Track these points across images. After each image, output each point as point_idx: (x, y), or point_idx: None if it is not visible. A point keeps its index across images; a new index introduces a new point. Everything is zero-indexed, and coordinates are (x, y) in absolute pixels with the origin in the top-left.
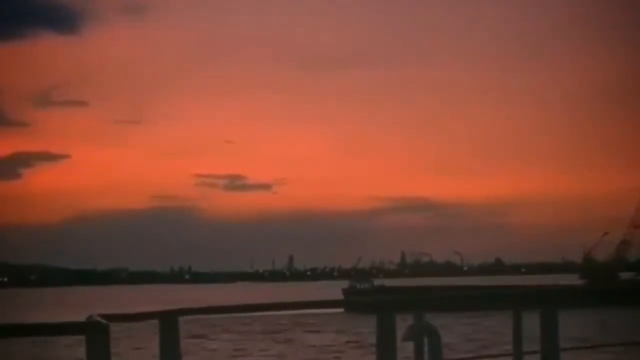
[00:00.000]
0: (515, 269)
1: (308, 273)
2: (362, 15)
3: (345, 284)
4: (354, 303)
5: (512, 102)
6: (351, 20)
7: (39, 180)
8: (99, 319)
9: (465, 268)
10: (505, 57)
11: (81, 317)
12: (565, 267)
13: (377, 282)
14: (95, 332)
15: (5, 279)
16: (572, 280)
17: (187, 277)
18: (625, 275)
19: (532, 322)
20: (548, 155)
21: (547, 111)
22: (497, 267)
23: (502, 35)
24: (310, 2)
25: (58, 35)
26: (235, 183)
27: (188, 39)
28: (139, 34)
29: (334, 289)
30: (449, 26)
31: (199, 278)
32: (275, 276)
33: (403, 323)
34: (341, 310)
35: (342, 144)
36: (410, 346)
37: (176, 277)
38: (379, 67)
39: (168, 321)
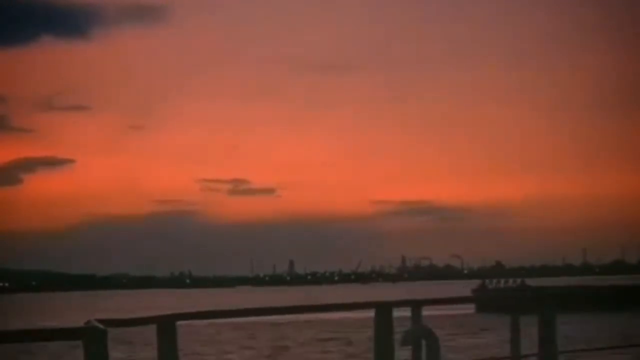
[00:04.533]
0: (516, 272)
1: (309, 277)
2: (363, 19)
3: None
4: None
5: (512, 105)
6: (353, 24)
7: (41, 186)
8: (96, 324)
9: (465, 271)
10: (505, 61)
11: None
12: (565, 270)
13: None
14: (92, 337)
15: (6, 284)
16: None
17: (187, 281)
18: None
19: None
20: (548, 158)
21: (548, 114)
22: (497, 270)
23: (504, 38)
24: (313, 8)
25: (62, 41)
26: (240, 187)
27: (192, 44)
28: (143, 39)
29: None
30: (451, 29)
31: (199, 283)
32: (275, 280)
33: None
34: (471, 310)
35: (344, 148)
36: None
37: (177, 281)
38: (382, 71)
39: (166, 326)
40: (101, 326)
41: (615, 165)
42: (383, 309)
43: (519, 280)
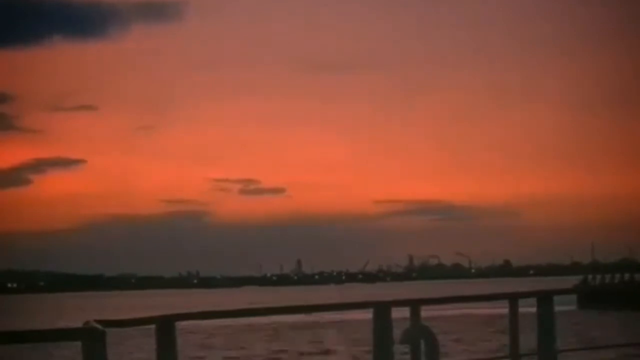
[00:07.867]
0: (524, 271)
1: (316, 277)
2: (371, 18)
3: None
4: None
5: (521, 104)
6: (362, 23)
7: (50, 186)
8: (95, 324)
9: (473, 270)
10: (514, 59)
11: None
12: (573, 269)
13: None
14: (91, 338)
15: (15, 285)
16: None
17: (195, 282)
18: None
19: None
20: (557, 156)
21: (556, 113)
22: (506, 269)
23: (513, 36)
24: (322, 6)
25: (71, 41)
26: (249, 187)
27: (202, 44)
28: (152, 39)
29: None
30: (461, 28)
31: (206, 283)
32: (283, 280)
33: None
34: (573, 307)
35: (351, 148)
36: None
37: (184, 282)
38: (390, 70)
39: (165, 326)
40: (100, 327)
41: (624, 164)
42: (381, 309)
43: (627, 276)
